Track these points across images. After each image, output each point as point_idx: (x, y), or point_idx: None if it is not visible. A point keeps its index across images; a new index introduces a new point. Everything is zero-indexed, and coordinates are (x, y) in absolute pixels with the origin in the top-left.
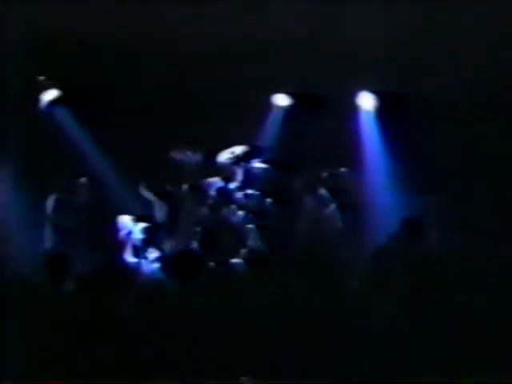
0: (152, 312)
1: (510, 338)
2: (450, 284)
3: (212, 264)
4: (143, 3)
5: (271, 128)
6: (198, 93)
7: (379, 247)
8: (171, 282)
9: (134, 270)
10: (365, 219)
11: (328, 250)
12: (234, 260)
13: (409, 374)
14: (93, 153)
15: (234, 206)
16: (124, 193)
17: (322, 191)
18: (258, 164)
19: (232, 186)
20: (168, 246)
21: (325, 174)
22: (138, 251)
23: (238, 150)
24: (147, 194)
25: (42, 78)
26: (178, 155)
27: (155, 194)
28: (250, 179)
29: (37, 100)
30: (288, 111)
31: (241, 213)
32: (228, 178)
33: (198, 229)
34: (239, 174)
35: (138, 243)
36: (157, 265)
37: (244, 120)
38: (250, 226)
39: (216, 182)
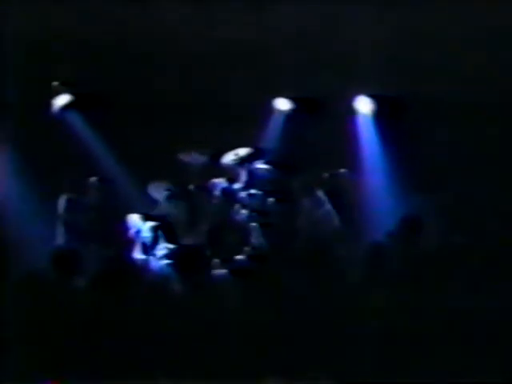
0: (159, 310)
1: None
2: (449, 283)
3: (217, 260)
4: (153, 6)
5: (273, 131)
6: (204, 97)
7: (378, 246)
8: (178, 279)
9: (143, 267)
10: (363, 218)
11: (328, 248)
12: (238, 256)
13: (409, 375)
14: (103, 154)
15: (237, 205)
16: (133, 192)
17: (322, 191)
18: (260, 165)
19: (236, 186)
20: (176, 243)
21: (325, 175)
22: (147, 249)
23: (242, 151)
24: (155, 194)
25: (55, 83)
26: (184, 157)
27: (164, 193)
28: (253, 180)
29: (49, 103)
30: (289, 115)
31: (244, 212)
32: (232, 179)
33: (204, 227)
34: (243, 175)
35: (147, 241)
36: (164, 261)
37: (247, 123)
38: (253, 224)
39: (221, 182)
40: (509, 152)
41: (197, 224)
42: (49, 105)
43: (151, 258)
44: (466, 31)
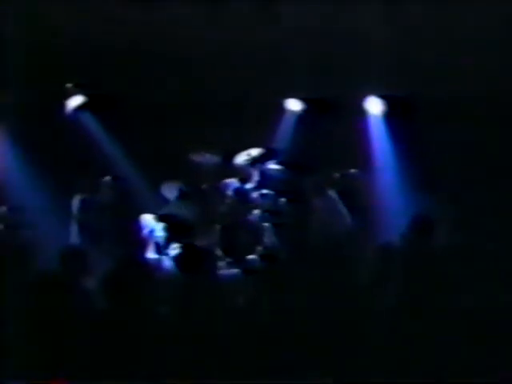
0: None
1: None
2: (461, 283)
3: (229, 260)
4: (165, 6)
5: (285, 131)
6: (217, 98)
7: (389, 246)
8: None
9: (156, 266)
10: (375, 218)
11: (339, 247)
12: (250, 256)
13: (421, 374)
14: (116, 155)
15: (250, 206)
16: (146, 192)
17: (334, 191)
18: (272, 165)
19: (248, 186)
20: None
21: (336, 175)
22: (160, 249)
23: (254, 152)
24: (168, 194)
25: (69, 85)
26: (197, 157)
27: (177, 193)
28: (265, 180)
29: (62, 104)
30: (301, 115)
31: (256, 212)
32: (244, 179)
33: (216, 227)
34: (255, 175)
35: (160, 241)
36: (176, 261)
37: (259, 124)
38: (265, 224)
39: (233, 182)
40: None
41: (209, 224)
42: (62, 106)
43: (164, 257)
44: (479, 31)
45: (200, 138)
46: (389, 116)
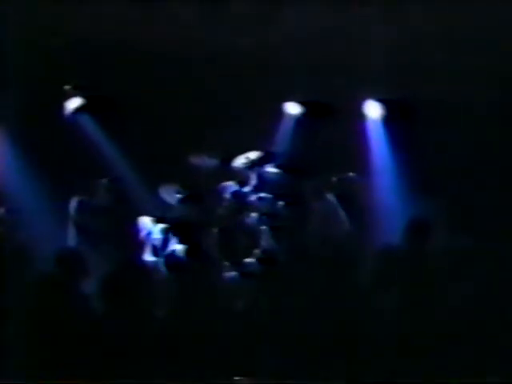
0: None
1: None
2: (456, 285)
3: (227, 263)
4: (166, 9)
5: (283, 135)
6: (215, 101)
7: (388, 249)
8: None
9: (153, 269)
10: (373, 222)
11: (338, 251)
12: (248, 259)
13: (419, 375)
14: (114, 157)
15: (248, 209)
16: (144, 195)
17: (332, 195)
18: (271, 169)
19: (246, 189)
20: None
21: (334, 179)
22: (157, 251)
23: (253, 155)
24: (166, 196)
25: (67, 86)
26: (196, 160)
27: (175, 196)
28: (263, 183)
29: (60, 106)
30: (299, 119)
31: (254, 215)
32: (243, 182)
33: (214, 229)
34: (253, 178)
35: (157, 243)
36: (174, 263)
37: (258, 127)
38: (263, 227)
39: (231, 185)
40: None
41: (207, 227)
42: (60, 108)
43: (161, 259)
44: (479, 34)
45: (198, 140)
46: (387, 120)
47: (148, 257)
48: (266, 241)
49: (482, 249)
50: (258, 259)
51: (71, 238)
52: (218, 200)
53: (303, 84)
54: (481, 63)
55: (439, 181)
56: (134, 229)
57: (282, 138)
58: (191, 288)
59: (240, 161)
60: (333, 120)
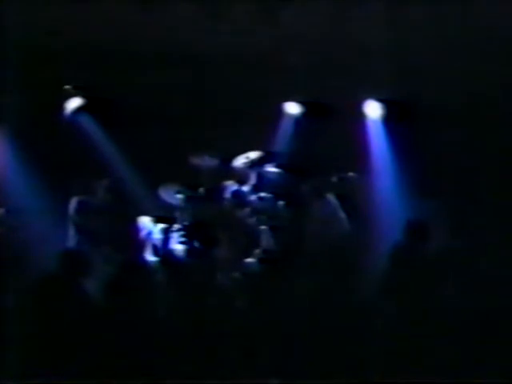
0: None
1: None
2: (455, 286)
3: (227, 263)
4: (165, 9)
5: (284, 135)
6: (216, 101)
7: (388, 249)
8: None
9: (154, 269)
10: (373, 222)
11: (337, 251)
12: (248, 259)
13: (417, 375)
14: (114, 157)
15: (247, 208)
16: (144, 195)
17: (332, 195)
18: (271, 168)
19: (246, 189)
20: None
21: (334, 179)
22: (158, 251)
23: (253, 155)
24: (166, 196)
25: (67, 86)
26: (195, 160)
27: (176, 196)
28: (263, 183)
29: (60, 106)
30: (299, 119)
31: (254, 214)
32: (243, 182)
33: (214, 229)
34: (253, 178)
35: (158, 243)
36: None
37: (258, 127)
38: (263, 227)
39: (231, 185)
40: None
41: (207, 226)
42: (60, 108)
43: (162, 259)
44: (479, 36)
45: (199, 140)
46: (387, 120)
47: (148, 257)
48: (266, 241)
49: (481, 249)
50: (259, 259)
51: (71, 239)
52: (218, 200)
53: (303, 84)
54: (481, 64)
55: (439, 181)
56: (134, 229)
57: (282, 137)
58: (191, 288)
59: (240, 160)
60: (333, 120)
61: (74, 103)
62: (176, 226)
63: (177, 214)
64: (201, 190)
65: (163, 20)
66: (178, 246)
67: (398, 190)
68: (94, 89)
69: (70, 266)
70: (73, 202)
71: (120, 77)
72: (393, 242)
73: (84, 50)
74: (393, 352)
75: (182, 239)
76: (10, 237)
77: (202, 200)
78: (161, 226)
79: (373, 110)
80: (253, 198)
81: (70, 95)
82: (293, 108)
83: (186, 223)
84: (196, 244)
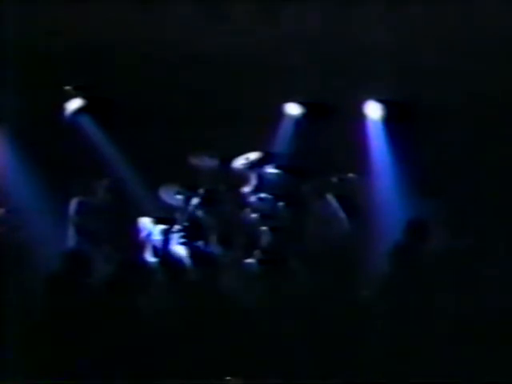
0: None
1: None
2: (455, 286)
3: (227, 264)
4: (165, 9)
5: (284, 135)
6: (216, 101)
7: (386, 249)
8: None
9: (154, 269)
10: (373, 222)
11: (337, 251)
12: (248, 260)
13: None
14: (114, 157)
15: (247, 209)
16: (144, 195)
17: (332, 195)
18: (271, 169)
19: (246, 190)
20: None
21: (334, 179)
22: (158, 252)
23: (253, 156)
24: (166, 197)
25: (68, 87)
26: (195, 160)
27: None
28: (263, 184)
29: (60, 107)
30: (299, 120)
31: (254, 215)
32: (243, 183)
33: (214, 230)
34: (253, 179)
35: (158, 244)
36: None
37: (258, 128)
38: (262, 227)
39: (231, 186)
40: None
41: (207, 227)
42: (60, 108)
43: (162, 260)
44: (479, 36)
45: (198, 141)
46: (388, 120)
47: (148, 257)
48: (266, 241)
49: (481, 249)
50: (259, 260)
51: (71, 239)
52: (218, 200)
53: (303, 84)
54: (481, 64)
55: (439, 181)
56: (134, 229)
57: (282, 138)
58: (191, 289)
59: (240, 161)
60: (333, 121)
61: (74, 104)
62: (176, 227)
63: (177, 215)
64: (200, 190)
65: (163, 20)
66: (177, 247)
67: (397, 191)
68: (94, 89)
69: (70, 266)
70: (73, 203)
71: (120, 77)
72: (393, 241)
73: (84, 50)
74: (393, 352)
75: (182, 240)
76: (10, 237)
77: (201, 201)
78: (161, 226)
79: (373, 110)
80: (253, 198)
81: (70, 96)
82: (293, 108)
83: (185, 224)
84: (196, 245)
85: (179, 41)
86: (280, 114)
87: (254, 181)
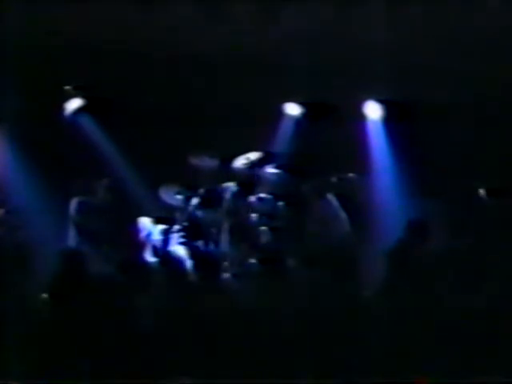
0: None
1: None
2: (455, 285)
3: (227, 264)
4: (165, 10)
5: (284, 135)
6: (216, 101)
7: (388, 249)
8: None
9: (154, 269)
10: (373, 222)
11: (338, 251)
12: (248, 260)
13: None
14: (114, 157)
15: (248, 209)
16: (144, 195)
17: (332, 195)
18: (271, 169)
19: (246, 189)
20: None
21: (334, 179)
22: (157, 251)
23: (253, 156)
24: (166, 197)
25: (68, 87)
26: (195, 160)
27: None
28: (263, 183)
29: (61, 107)
30: (299, 119)
31: (254, 215)
32: (243, 183)
33: (214, 230)
34: (253, 179)
35: (157, 244)
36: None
37: (258, 128)
38: (263, 227)
39: (231, 186)
40: None
41: (207, 227)
42: (61, 108)
43: (162, 260)
44: (477, 35)
45: (198, 141)
46: (387, 120)
47: (148, 257)
48: (266, 241)
49: (481, 249)
50: (259, 260)
51: (71, 239)
52: (218, 201)
53: (303, 84)
54: (481, 64)
55: (439, 181)
56: (134, 229)
57: (283, 138)
58: (191, 288)
59: (240, 161)
60: (333, 120)
61: (74, 103)
62: (176, 227)
63: (177, 215)
64: (200, 190)
65: (163, 20)
66: (177, 247)
67: (397, 190)
68: (94, 89)
69: (70, 265)
70: (73, 203)
71: (120, 77)
72: (393, 241)
73: (84, 49)
74: (393, 352)
75: (182, 240)
76: (10, 237)
77: (201, 201)
78: (161, 226)
79: (373, 110)
80: (253, 198)
81: (70, 95)
82: (293, 108)
83: (185, 224)
84: (196, 245)
85: (179, 41)
86: (280, 114)
87: (254, 181)
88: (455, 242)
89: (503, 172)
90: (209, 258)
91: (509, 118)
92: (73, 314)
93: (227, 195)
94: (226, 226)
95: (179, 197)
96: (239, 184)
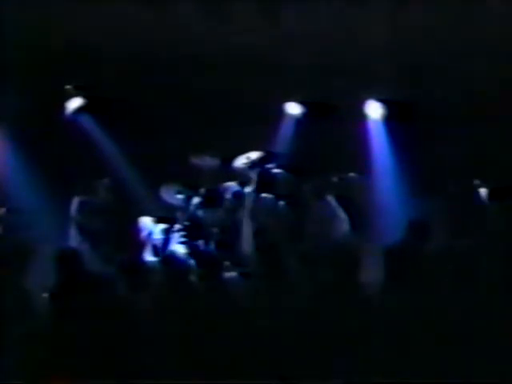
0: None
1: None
2: (455, 285)
3: (228, 263)
4: (166, 10)
5: (285, 135)
6: (216, 101)
7: (388, 249)
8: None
9: (154, 269)
10: (373, 222)
11: (338, 251)
12: (248, 260)
13: (416, 374)
14: (115, 157)
15: (248, 209)
16: (145, 195)
17: (333, 195)
18: (271, 169)
19: (247, 189)
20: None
21: (335, 179)
22: (158, 251)
23: (254, 155)
24: (167, 197)
25: (68, 86)
26: (196, 160)
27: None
28: (264, 183)
29: (62, 106)
30: (300, 119)
31: (255, 215)
32: (244, 182)
33: (215, 230)
34: (254, 179)
35: (158, 243)
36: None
37: (259, 127)
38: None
39: (232, 185)
40: None
41: (208, 227)
42: (60, 108)
43: (162, 259)
44: (478, 35)
45: (199, 140)
46: (388, 120)
47: (149, 257)
48: (265, 241)
49: (481, 249)
50: (258, 259)
51: (72, 238)
52: (219, 200)
53: (304, 84)
54: (481, 63)
55: (439, 181)
56: (135, 229)
57: (283, 138)
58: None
59: (241, 161)
60: (333, 120)
61: (74, 103)
62: (177, 227)
63: (177, 215)
64: (201, 190)
65: (163, 20)
66: (178, 247)
67: (398, 190)
68: (94, 89)
69: (71, 265)
70: (74, 202)
71: (120, 77)
72: (393, 241)
73: (84, 49)
74: (393, 352)
75: (183, 239)
76: (10, 237)
77: (202, 200)
78: (161, 226)
79: (373, 110)
80: (253, 198)
81: (70, 95)
82: (293, 108)
83: (186, 223)
84: (196, 244)
85: (179, 41)
86: (281, 114)
87: (254, 180)
88: (455, 242)
89: (503, 172)
90: (209, 258)
91: (509, 118)
92: (73, 314)
93: (228, 195)
94: (226, 225)
95: (180, 196)
96: (240, 183)
